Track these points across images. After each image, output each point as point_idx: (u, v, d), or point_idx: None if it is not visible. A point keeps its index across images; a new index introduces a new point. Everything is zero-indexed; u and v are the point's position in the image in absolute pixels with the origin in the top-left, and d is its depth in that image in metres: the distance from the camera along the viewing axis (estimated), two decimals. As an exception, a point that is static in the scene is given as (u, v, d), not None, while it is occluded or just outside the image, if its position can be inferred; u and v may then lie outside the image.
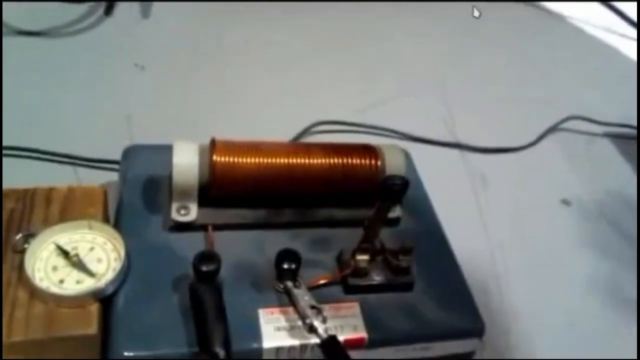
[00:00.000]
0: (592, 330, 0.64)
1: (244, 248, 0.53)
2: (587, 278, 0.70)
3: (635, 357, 0.61)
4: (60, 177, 0.66)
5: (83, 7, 0.93)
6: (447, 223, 0.62)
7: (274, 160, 0.54)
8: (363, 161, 0.56)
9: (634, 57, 1.18)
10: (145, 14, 0.98)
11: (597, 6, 1.26)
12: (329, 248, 0.55)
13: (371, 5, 1.16)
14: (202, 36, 0.97)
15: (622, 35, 1.23)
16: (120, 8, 0.98)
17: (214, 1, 1.05)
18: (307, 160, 0.54)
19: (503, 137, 0.87)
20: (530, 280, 0.68)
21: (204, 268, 0.46)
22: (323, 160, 0.55)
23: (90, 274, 0.48)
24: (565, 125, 0.92)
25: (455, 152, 0.83)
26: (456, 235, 0.62)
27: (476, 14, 1.20)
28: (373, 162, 0.56)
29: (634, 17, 1.25)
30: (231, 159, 0.53)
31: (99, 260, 0.49)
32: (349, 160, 0.55)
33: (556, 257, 0.71)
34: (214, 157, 0.52)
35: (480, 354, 0.55)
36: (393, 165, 0.56)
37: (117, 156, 0.64)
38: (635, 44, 1.22)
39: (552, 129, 0.91)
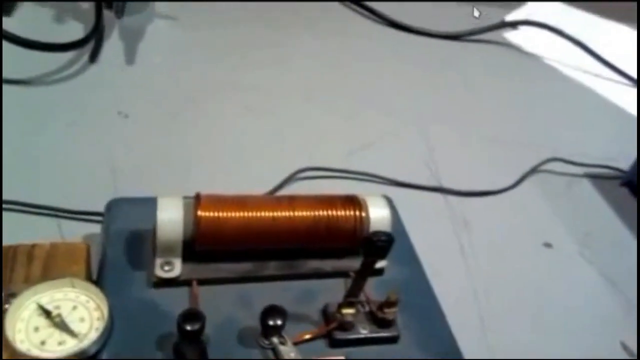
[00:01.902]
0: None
1: (229, 303, 0.53)
2: (570, 320, 0.70)
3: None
4: (42, 230, 0.66)
5: (68, 55, 0.94)
6: (431, 267, 0.63)
7: (258, 213, 0.54)
8: (347, 213, 0.56)
9: (609, 96, 1.20)
10: (130, 60, 0.98)
11: (571, 46, 1.29)
12: (315, 300, 0.55)
13: (354, 48, 1.18)
14: (186, 81, 0.97)
15: (596, 75, 1.27)
16: (105, 54, 0.98)
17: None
18: (291, 213, 0.55)
19: (484, 180, 0.88)
20: (514, 324, 0.68)
21: (188, 327, 0.46)
22: (307, 213, 0.55)
23: (73, 334, 0.47)
24: (546, 166, 0.94)
25: (437, 196, 0.84)
26: (440, 279, 0.62)
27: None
28: (357, 213, 0.56)
29: (608, 57, 1.29)
30: (216, 214, 0.53)
31: (82, 320, 0.49)
32: (333, 213, 0.56)
33: (539, 300, 0.72)
34: (199, 213, 0.52)
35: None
36: (377, 216, 0.57)
37: (100, 207, 0.63)
38: (610, 84, 1.25)
39: (533, 171, 0.92)
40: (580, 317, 0.71)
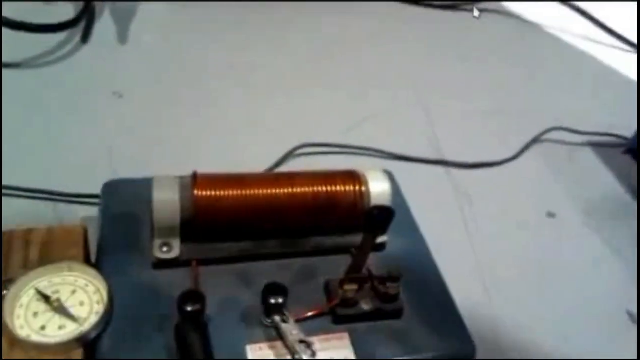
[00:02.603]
0: (585, 342, 0.64)
1: (230, 282, 0.52)
2: (576, 289, 0.70)
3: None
4: (40, 215, 0.65)
5: (59, 36, 0.92)
6: (434, 241, 0.62)
7: (256, 191, 0.53)
8: (347, 188, 0.55)
9: (611, 63, 1.19)
10: (123, 40, 0.97)
11: (572, 14, 1.27)
12: (317, 277, 0.54)
13: (351, 22, 1.16)
14: (181, 59, 0.96)
15: (598, 43, 1.25)
16: (97, 34, 0.97)
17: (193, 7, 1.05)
18: (290, 190, 0.54)
19: (487, 151, 0.87)
20: (519, 295, 0.68)
21: (189, 308, 0.46)
22: (306, 189, 0.54)
23: (73, 318, 0.47)
24: (548, 136, 0.93)
25: (439, 169, 0.83)
26: (443, 252, 0.62)
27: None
28: (357, 188, 0.55)
29: (609, 24, 1.26)
30: (213, 193, 0.52)
31: (82, 304, 0.48)
32: (333, 188, 0.55)
33: (544, 270, 0.71)
34: (196, 192, 0.51)
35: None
36: (377, 190, 0.56)
37: (98, 189, 0.62)
38: (611, 50, 1.23)
39: (535, 141, 0.91)
40: (585, 286, 0.70)
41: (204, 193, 0.52)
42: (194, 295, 0.47)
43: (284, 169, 0.77)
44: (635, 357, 0.61)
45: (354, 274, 0.50)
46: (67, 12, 0.98)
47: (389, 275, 0.51)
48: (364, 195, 0.55)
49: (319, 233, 0.56)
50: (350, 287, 0.50)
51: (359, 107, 0.93)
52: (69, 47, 0.92)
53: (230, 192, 0.52)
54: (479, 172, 0.84)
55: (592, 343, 0.64)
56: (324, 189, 0.54)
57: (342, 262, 0.53)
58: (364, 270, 0.52)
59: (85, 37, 0.94)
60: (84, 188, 0.68)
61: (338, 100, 0.94)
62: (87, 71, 0.89)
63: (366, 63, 1.05)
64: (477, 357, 0.52)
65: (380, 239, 0.57)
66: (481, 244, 0.72)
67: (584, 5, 1.28)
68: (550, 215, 0.79)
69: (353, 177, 0.56)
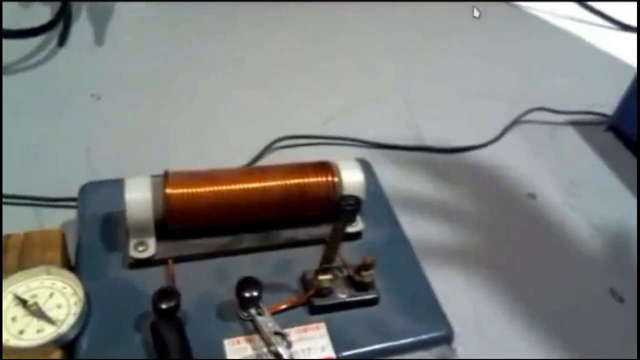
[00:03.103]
0: (569, 321, 0.64)
1: (206, 278, 0.53)
2: (557, 270, 0.70)
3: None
4: (21, 220, 0.65)
5: (36, 40, 0.92)
6: (415, 226, 0.62)
7: (229, 187, 0.53)
8: (319, 179, 0.56)
9: (593, 41, 1.19)
10: (100, 41, 0.97)
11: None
12: (293, 269, 0.54)
13: (326, 12, 1.16)
14: (159, 58, 0.96)
15: (581, 21, 1.24)
16: (74, 37, 0.97)
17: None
18: (263, 184, 0.54)
19: (468, 135, 0.87)
20: (501, 279, 0.68)
21: (164, 305, 0.46)
22: (279, 182, 0.55)
23: (51, 321, 0.47)
24: (529, 117, 0.93)
25: (420, 155, 0.83)
26: (425, 238, 0.62)
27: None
28: (329, 179, 0.56)
29: (596, 4, 1.26)
30: (185, 190, 0.52)
31: (59, 306, 0.49)
32: (305, 180, 0.55)
33: (527, 252, 0.71)
34: (167, 190, 0.52)
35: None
36: (350, 180, 0.56)
37: (77, 192, 0.63)
38: (594, 29, 1.23)
39: (516, 122, 0.91)
40: (568, 266, 0.71)
41: (176, 191, 0.52)
42: (168, 293, 0.47)
43: (263, 162, 0.77)
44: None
45: (327, 264, 0.50)
46: (43, 14, 0.98)
47: (363, 263, 0.51)
48: (336, 186, 0.55)
49: (294, 225, 0.57)
50: (325, 277, 0.51)
51: (338, 97, 0.93)
52: (46, 51, 0.92)
53: (203, 189, 0.53)
54: (459, 157, 0.84)
55: (576, 322, 0.64)
56: (297, 181, 0.55)
57: (318, 253, 0.53)
58: (339, 260, 0.52)
59: (62, 40, 0.94)
60: (65, 191, 0.68)
61: (317, 91, 0.94)
62: (64, 74, 0.89)
63: (345, 52, 1.05)
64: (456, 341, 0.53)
65: (356, 228, 0.58)
66: (462, 228, 0.73)
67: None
68: (531, 196, 0.79)
69: (325, 168, 0.56)
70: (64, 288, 0.50)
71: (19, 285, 0.50)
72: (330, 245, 0.49)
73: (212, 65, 0.96)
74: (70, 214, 0.66)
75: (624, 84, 0.90)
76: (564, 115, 0.94)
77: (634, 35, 1.23)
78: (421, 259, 0.59)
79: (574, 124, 0.94)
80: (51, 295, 0.50)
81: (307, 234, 0.57)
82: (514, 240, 0.73)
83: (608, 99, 0.94)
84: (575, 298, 0.67)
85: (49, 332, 0.47)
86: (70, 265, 0.55)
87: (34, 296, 0.49)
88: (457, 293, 0.64)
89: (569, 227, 0.76)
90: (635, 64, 1.09)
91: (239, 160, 0.76)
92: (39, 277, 0.51)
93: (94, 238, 0.56)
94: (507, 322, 0.63)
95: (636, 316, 0.65)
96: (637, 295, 0.68)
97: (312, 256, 0.53)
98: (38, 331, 0.47)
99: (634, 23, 1.24)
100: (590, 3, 1.26)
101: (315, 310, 0.51)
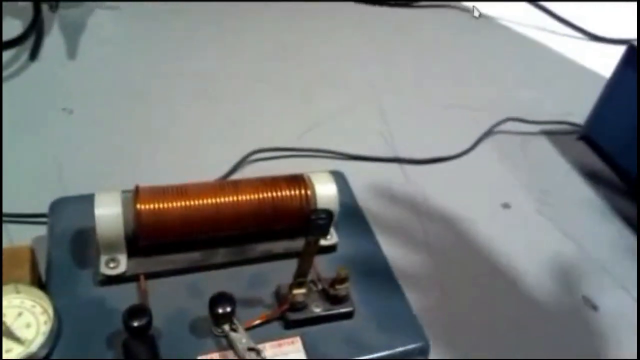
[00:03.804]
0: (544, 331, 0.65)
1: (178, 294, 0.52)
2: (532, 279, 0.70)
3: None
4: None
5: (6, 54, 0.91)
6: (389, 238, 0.63)
7: (201, 201, 0.53)
8: (292, 192, 0.55)
9: (564, 52, 1.21)
10: (72, 54, 0.96)
11: (524, 5, 1.29)
12: (268, 283, 0.54)
13: (300, 23, 1.17)
14: (131, 72, 0.95)
15: (552, 32, 1.27)
16: (45, 51, 0.96)
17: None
18: (235, 198, 0.54)
19: (441, 146, 0.88)
20: (476, 289, 0.68)
21: (135, 323, 0.45)
22: (252, 196, 0.54)
23: (19, 341, 0.46)
24: (502, 127, 0.94)
25: (394, 166, 0.83)
26: (399, 249, 0.62)
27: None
28: (302, 192, 0.55)
29: (561, 13, 1.28)
30: (156, 206, 0.52)
31: (28, 325, 0.48)
32: (278, 194, 0.55)
33: (501, 262, 0.72)
34: (138, 206, 0.51)
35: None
36: (323, 193, 0.56)
37: (48, 208, 0.62)
38: (564, 39, 1.25)
39: (488, 133, 0.92)
40: (542, 275, 0.71)
41: (147, 206, 0.51)
42: (140, 310, 0.46)
43: (238, 175, 0.77)
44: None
45: (301, 277, 0.50)
46: (13, 28, 0.97)
47: (337, 276, 0.51)
48: (309, 199, 0.55)
49: (267, 239, 0.56)
50: (299, 291, 0.50)
51: (313, 108, 0.93)
52: (17, 65, 0.91)
53: (174, 204, 0.52)
54: (433, 167, 0.84)
55: (551, 332, 0.65)
56: (269, 194, 0.55)
57: (293, 266, 0.53)
58: (313, 273, 0.52)
59: (34, 54, 0.93)
60: (35, 207, 0.67)
61: (291, 103, 0.95)
62: (36, 88, 0.88)
63: (318, 63, 1.06)
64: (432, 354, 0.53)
65: (331, 241, 0.57)
66: (436, 239, 0.73)
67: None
68: (505, 206, 0.80)
69: (298, 181, 0.56)
70: (33, 307, 0.49)
71: (-15, 304, 0.49)
72: (304, 259, 0.49)
73: (183, 79, 0.96)
74: (41, 230, 0.65)
75: (594, 93, 0.92)
76: (536, 125, 0.95)
77: (603, 45, 1.25)
78: (395, 271, 0.59)
79: (546, 133, 0.95)
80: (20, 314, 0.48)
81: (281, 248, 0.56)
82: (488, 249, 0.73)
83: (578, 108, 0.96)
84: (549, 307, 0.67)
85: (18, 352, 0.45)
86: (41, 283, 0.55)
87: (2, 315, 0.48)
88: (430, 305, 0.65)
89: (543, 236, 0.76)
90: (604, 74, 1.10)
91: (213, 174, 0.75)
92: (7, 295, 0.49)
93: (64, 254, 0.55)
94: (481, 332, 0.63)
95: (612, 324, 0.66)
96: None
97: (286, 270, 0.53)
98: (6, 351, 0.46)
99: (603, 34, 1.26)
100: (556, 12, 1.28)
101: (290, 325, 0.51)
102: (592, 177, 0.87)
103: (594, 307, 0.68)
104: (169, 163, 0.79)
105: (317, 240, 0.47)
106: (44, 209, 0.64)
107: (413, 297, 0.56)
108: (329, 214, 0.45)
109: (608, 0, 1.37)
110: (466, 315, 0.65)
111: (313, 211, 0.46)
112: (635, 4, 1.37)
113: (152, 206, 0.51)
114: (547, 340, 0.64)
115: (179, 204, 0.52)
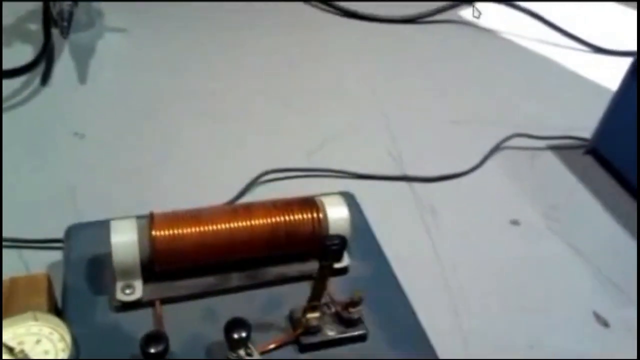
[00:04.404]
0: (555, 348, 0.65)
1: (194, 319, 0.53)
2: (542, 296, 0.71)
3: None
4: (6, 264, 0.65)
5: (18, 81, 0.92)
6: (399, 257, 0.63)
7: (215, 227, 0.54)
8: (305, 216, 0.56)
9: (568, 65, 1.21)
10: (82, 79, 0.97)
11: (527, 18, 1.30)
12: (281, 307, 0.54)
13: (307, 42, 1.18)
14: (142, 94, 0.96)
15: (555, 45, 1.27)
16: (56, 76, 0.97)
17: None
18: (248, 223, 0.54)
19: (449, 163, 0.88)
20: (486, 306, 0.69)
21: (152, 350, 0.46)
22: (264, 221, 0.55)
23: (37, 368, 0.47)
24: (509, 143, 0.94)
25: (402, 185, 0.84)
26: (409, 268, 0.63)
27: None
28: (315, 215, 0.56)
29: (564, 26, 1.29)
30: (171, 232, 0.52)
31: (46, 352, 0.48)
32: (291, 217, 0.56)
33: (510, 279, 0.72)
34: (154, 232, 0.52)
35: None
36: (335, 216, 0.57)
37: (63, 232, 0.63)
38: (568, 52, 1.26)
39: (496, 149, 0.93)
40: (552, 290, 0.72)
41: (162, 233, 0.52)
42: (157, 337, 0.47)
43: (249, 197, 0.78)
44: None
45: (315, 301, 0.50)
46: (24, 54, 0.98)
47: (351, 300, 0.52)
48: (322, 222, 0.56)
49: (281, 262, 0.57)
50: (313, 315, 0.51)
51: (320, 126, 0.94)
52: (28, 91, 0.93)
53: (188, 230, 0.53)
54: (441, 185, 0.85)
55: (562, 348, 0.65)
56: (282, 218, 0.55)
57: (306, 290, 0.53)
58: (326, 297, 0.53)
59: (45, 79, 0.95)
60: (50, 232, 0.68)
61: (299, 122, 0.95)
62: (47, 113, 0.89)
63: (326, 82, 1.07)
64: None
65: (342, 264, 0.58)
66: (446, 258, 0.73)
67: (538, 8, 1.31)
68: (514, 222, 0.80)
69: (310, 204, 0.57)
70: (51, 334, 0.50)
71: (5, 332, 0.49)
72: (317, 283, 0.49)
73: (191, 99, 0.97)
74: (57, 255, 0.66)
75: (600, 106, 0.92)
76: (543, 140, 0.96)
77: (608, 58, 1.26)
78: (406, 290, 0.60)
79: (553, 148, 0.96)
80: (38, 341, 0.49)
81: (294, 270, 0.57)
82: (498, 266, 0.74)
83: (584, 122, 0.96)
84: (561, 324, 0.67)
85: (36, 380, 0.46)
86: (57, 309, 0.55)
87: (21, 343, 0.49)
88: (443, 322, 0.65)
89: (552, 252, 0.77)
90: (609, 86, 1.11)
91: (225, 195, 0.76)
92: (25, 323, 0.50)
93: (80, 281, 0.56)
94: (492, 350, 0.63)
95: (623, 341, 0.66)
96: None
97: (299, 292, 0.54)
98: (25, 379, 0.46)
99: (607, 46, 1.27)
100: (559, 24, 1.29)
101: (304, 349, 0.51)
102: (600, 191, 0.88)
103: (605, 324, 0.68)
104: (181, 185, 0.80)
105: (330, 265, 0.48)
106: (58, 234, 0.66)
107: (424, 317, 0.57)
108: (342, 239, 0.46)
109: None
110: (478, 333, 0.65)
111: (326, 237, 0.46)
112: (635, 12, 1.38)
113: (167, 232, 0.52)
114: (557, 357, 0.64)
115: (193, 229, 0.53)
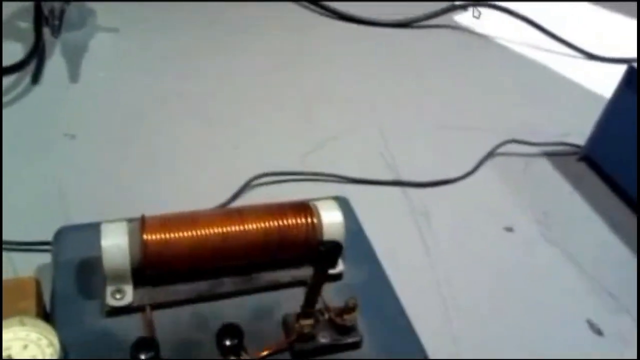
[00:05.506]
0: (546, 357, 0.64)
1: (186, 325, 0.52)
2: (536, 303, 0.70)
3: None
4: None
5: (8, 79, 0.91)
6: (393, 262, 0.62)
7: (207, 231, 0.53)
8: (298, 221, 0.55)
9: (562, 71, 1.21)
10: (74, 78, 0.96)
11: (521, 24, 1.30)
12: (275, 313, 0.54)
13: (300, 45, 1.17)
14: (133, 95, 0.95)
15: (548, 51, 1.27)
16: (47, 74, 0.96)
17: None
18: (241, 228, 0.54)
19: (443, 168, 0.88)
20: (479, 312, 0.68)
21: (142, 356, 0.45)
22: (258, 226, 0.54)
23: (24, 375, 0.46)
24: (502, 149, 0.94)
25: (396, 190, 0.83)
26: (402, 273, 0.62)
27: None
28: (308, 220, 0.55)
29: (558, 33, 1.29)
30: (163, 236, 0.52)
31: (34, 358, 0.47)
32: (284, 222, 0.55)
33: (504, 286, 0.72)
34: (145, 236, 0.51)
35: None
36: (329, 221, 0.56)
37: (52, 234, 0.62)
38: (561, 58, 1.26)
39: (490, 155, 0.92)
40: (545, 298, 0.71)
41: (153, 237, 0.51)
42: (147, 342, 0.46)
43: (241, 200, 0.77)
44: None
45: (309, 308, 0.50)
46: (15, 51, 0.97)
47: (345, 306, 0.51)
48: (316, 228, 0.55)
49: (274, 267, 0.56)
50: (306, 322, 0.50)
51: (313, 129, 0.94)
52: (19, 89, 0.91)
53: (180, 234, 0.52)
54: (435, 190, 0.84)
55: (556, 355, 0.64)
56: (275, 223, 0.55)
57: (300, 295, 0.53)
58: (320, 303, 0.52)
59: (36, 78, 0.93)
60: (38, 234, 0.66)
61: (292, 123, 0.95)
62: (38, 113, 0.88)
63: (319, 85, 1.06)
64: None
65: (337, 269, 0.57)
66: (440, 263, 0.73)
67: (532, 14, 1.31)
68: (508, 229, 0.80)
69: (304, 209, 0.56)
70: (39, 339, 0.49)
71: (-9, 337, 0.48)
72: (312, 290, 0.49)
73: (184, 101, 0.96)
74: (46, 258, 0.65)
75: (594, 113, 0.92)
76: (537, 147, 0.96)
77: (601, 64, 1.26)
78: (400, 296, 0.59)
79: (547, 154, 0.95)
80: (25, 347, 0.48)
81: (288, 276, 0.56)
82: (492, 273, 0.73)
83: (577, 128, 0.96)
84: (555, 331, 0.67)
85: (24, 386, 0.45)
86: (46, 313, 0.54)
87: (8, 348, 0.48)
88: (436, 328, 0.65)
89: (546, 259, 0.76)
90: (602, 93, 1.11)
91: (218, 198, 0.75)
92: (12, 327, 0.49)
93: (69, 285, 0.55)
94: (484, 354, 0.63)
95: (617, 349, 0.66)
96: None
97: (294, 298, 0.53)
98: (12, 385, 0.45)
99: (601, 53, 1.27)
100: (553, 30, 1.29)
101: (298, 355, 0.50)
102: (593, 198, 0.88)
103: (599, 332, 0.68)
104: (172, 188, 0.79)
105: (324, 272, 0.47)
106: (47, 236, 0.64)
107: (418, 323, 0.57)
108: (337, 245, 0.45)
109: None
110: (471, 340, 0.65)
111: (321, 243, 0.46)
112: (633, 20, 1.38)
113: (158, 236, 0.51)
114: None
115: (185, 234, 0.52)
